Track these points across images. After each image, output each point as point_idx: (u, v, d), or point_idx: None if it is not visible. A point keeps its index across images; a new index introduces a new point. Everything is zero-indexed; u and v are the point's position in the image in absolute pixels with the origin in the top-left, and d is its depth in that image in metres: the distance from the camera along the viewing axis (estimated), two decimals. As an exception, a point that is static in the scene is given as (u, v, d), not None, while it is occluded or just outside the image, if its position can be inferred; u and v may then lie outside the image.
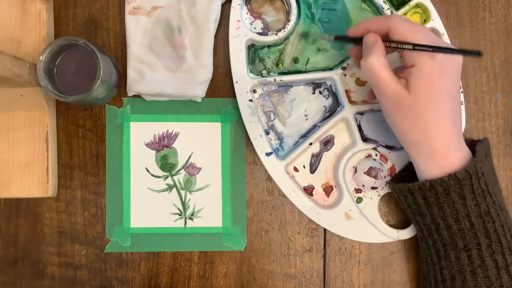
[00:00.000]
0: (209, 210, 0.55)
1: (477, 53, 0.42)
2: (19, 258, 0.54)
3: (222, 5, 0.54)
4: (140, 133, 0.55)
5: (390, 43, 0.44)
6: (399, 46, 0.44)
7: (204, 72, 0.53)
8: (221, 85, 0.55)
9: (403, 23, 0.44)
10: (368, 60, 0.44)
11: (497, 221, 0.45)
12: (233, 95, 0.55)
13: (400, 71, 0.46)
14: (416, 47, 0.43)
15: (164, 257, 0.54)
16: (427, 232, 0.48)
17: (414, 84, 0.43)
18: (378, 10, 0.54)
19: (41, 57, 0.48)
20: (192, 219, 0.55)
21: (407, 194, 0.47)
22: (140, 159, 0.55)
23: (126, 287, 0.54)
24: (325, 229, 0.55)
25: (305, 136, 0.55)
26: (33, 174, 0.53)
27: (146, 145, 0.55)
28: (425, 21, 0.54)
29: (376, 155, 0.53)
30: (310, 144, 0.54)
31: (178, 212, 0.55)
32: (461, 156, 0.45)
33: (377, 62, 0.43)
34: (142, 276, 0.54)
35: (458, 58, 0.44)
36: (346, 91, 0.54)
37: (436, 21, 0.53)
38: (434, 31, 0.53)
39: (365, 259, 0.55)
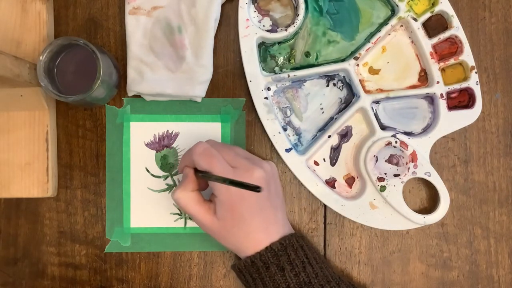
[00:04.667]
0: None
1: (256, 189, 0.41)
2: (19, 258, 0.54)
3: (223, 5, 0.54)
4: (140, 133, 0.55)
5: (200, 174, 0.47)
6: (203, 177, 0.47)
7: (204, 72, 0.53)
8: (221, 85, 0.55)
9: (201, 157, 0.46)
10: (175, 193, 0.47)
11: None
12: (234, 95, 0.55)
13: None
14: (212, 178, 0.45)
15: (164, 257, 0.54)
16: None
17: (219, 211, 0.46)
18: (386, -2, 0.55)
19: (41, 57, 0.48)
20: (192, 219, 0.55)
21: (239, 274, 0.49)
22: (140, 159, 0.55)
23: (126, 287, 0.54)
24: (325, 229, 0.55)
25: (322, 129, 0.55)
26: (33, 174, 0.53)
27: (146, 145, 0.55)
28: (433, 4, 0.54)
29: (396, 142, 0.52)
30: (329, 136, 0.54)
31: (178, 212, 0.55)
32: (280, 233, 0.48)
33: (183, 197, 0.47)
34: (142, 276, 0.54)
35: (258, 178, 0.46)
36: (361, 81, 0.54)
37: (444, 4, 0.53)
38: (443, 13, 0.54)
39: (365, 259, 0.55)
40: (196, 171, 0.48)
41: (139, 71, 0.53)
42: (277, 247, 0.46)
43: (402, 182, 0.53)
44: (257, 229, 0.47)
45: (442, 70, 0.54)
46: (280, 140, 0.53)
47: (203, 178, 0.47)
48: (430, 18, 0.54)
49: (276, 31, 0.54)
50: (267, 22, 0.55)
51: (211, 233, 0.48)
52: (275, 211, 0.48)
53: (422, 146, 0.53)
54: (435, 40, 0.54)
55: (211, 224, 0.47)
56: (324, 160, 0.55)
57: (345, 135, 0.55)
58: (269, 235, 0.47)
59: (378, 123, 0.54)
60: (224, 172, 0.45)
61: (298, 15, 0.54)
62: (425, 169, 0.53)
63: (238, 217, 0.46)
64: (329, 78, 0.55)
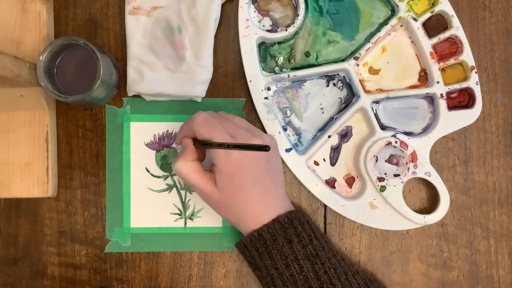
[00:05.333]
0: (209, 210, 0.54)
1: (264, 148, 0.41)
2: (19, 258, 0.54)
3: (223, 5, 0.54)
4: (140, 133, 0.55)
5: (199, 144, 0.47)
6: (202, 146, 0.46)
7: (204, 72, 0.53)
8: (221, 85, 0.55)
9: (202, 126, 0.46)
10: (175, 164, 0.47)
11: (327, 264, 0.46)
12: (234, 95, 0.55)
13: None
14: (214, 145, 0.45)
15: (164, 257, 0.54)
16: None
17: (219, 181, 0.46)
18: (386, -2, 0.55)
19: (41, 57, 0.48)
20: (192, 219, 0.55)
21: (245, 250, 0.48)
22: (140, 159, 0.55)
23: (126, 287, 0.54)
24: (325, 229, 0.55)
25: (322, 129, 0.55)
26: (33, 174, 0.53)
27: (146, 145, 0.55)
28: (433, 4, 0.54)
29: (396, 142, 0.52)
30: (329, 136, 0.54)
31: (178, 212, 0.55)
32: (279, 207, 0.48)
33: (183, 166, 0.47)
34: (142, 276, 0.54)
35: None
36: (361, 81, 0.54)
37: (444, 4, 0.53)
38: (443, 13, 0.54)
39: (365, 259, 0.55)
40: (195, 141, 0.48)
41: (139, 71, 0.53)
42: (284, 219, 0.46)
43: (402, 182, 0.53)
44: (256, 200, 0.47)
45: (442, 70, 0.54)
46: (280, 140, 0.53)
47: (204, 147, 0.47)
48: (430, 18, 0.54)
49: (276, 31, 0.54)
50: (267, 22, 0.55)
51: (212, 204, 0.48)
52: (274, 184, 0.48)
53: (422, 146, 0.53)
54: (435, 40, 0.54)
55: (212, 193, 0.47)
56: (324, 160, 0.55)
57: (345, 135, 0.55)
58: (268, 209, 0.47)
59: (378, 123, 0.54)
60: (224, 141, 0.45)
61: (298, 15, 0.54)
62: (425, 169, 0.53)
63: (237, 186, 0.46)
64: (329, 78, 0.55)
